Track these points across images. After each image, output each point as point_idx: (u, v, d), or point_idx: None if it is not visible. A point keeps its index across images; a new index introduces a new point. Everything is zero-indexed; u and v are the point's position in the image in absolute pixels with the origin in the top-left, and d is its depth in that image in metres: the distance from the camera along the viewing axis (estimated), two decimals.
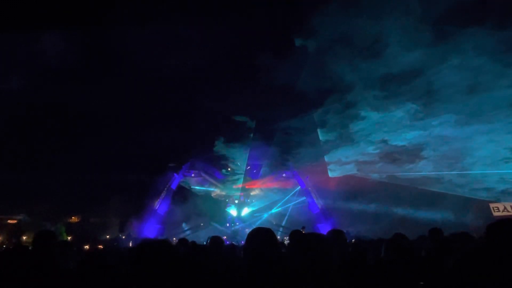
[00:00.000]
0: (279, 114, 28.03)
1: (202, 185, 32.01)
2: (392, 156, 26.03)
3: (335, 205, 26.55)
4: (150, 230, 25.44)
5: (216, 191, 32.04)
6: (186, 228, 28.76)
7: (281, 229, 26.11)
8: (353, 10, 22.32)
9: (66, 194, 27.23)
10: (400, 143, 25.36)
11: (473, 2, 18.57)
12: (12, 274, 2.26)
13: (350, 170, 27.94)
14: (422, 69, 22.42)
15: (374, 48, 23.11)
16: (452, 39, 20.48)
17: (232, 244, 7.12)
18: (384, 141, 25.95)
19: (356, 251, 3.37)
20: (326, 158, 28.51)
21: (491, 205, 22.24)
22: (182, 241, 5.63)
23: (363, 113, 25.79)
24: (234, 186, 31.43)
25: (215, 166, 31.55)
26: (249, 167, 31.78)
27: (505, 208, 21.81)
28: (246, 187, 31.41)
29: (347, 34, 23.29)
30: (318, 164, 28.65)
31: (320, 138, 28.48)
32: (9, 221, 28.27)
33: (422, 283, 2.53)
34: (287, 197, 30.29)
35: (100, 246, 17.42)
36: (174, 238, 18.65)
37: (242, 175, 31.42)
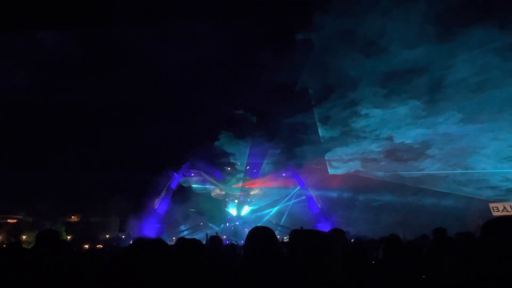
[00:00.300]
0: (281, 112, 27.94)
1: (202, 185, 31.98)
2: (396, 154, 25.74)
3: (335, 205, 26.48)
4: (150, 229, 25.42)
5: (216, 190, 32.02)
6: (184, 228, 28.72)
7: (279, 228, 26.06)
8: (357, 7, 22.18)
9: (66, 193, 27.26)
10: (404, 141, 25.09)
11: None
12: (7, 273, 2.25)
13: (352, 168, 27.72)
14: (428, 66, 22.24)
15: (379, 44, 22.94)
16: (458, 36, 20.26)
17: (232, 244, 7.10)
18: (388, 139, 25.68)
19: (355, 251, 3.35)
20: (328, 156, 28.32)
21: (491, 205, 22.21)
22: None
23: (366, 111, 25.55)
24: (234, 186, 31.40)
25: (215, 165, 31.54)
26: (248, 167, 31.78)
27: (504, 208, 21.78)
28: (246, 186, 31.39)
29: (351, 30, 23.08)
30: (319, 162, 28.54)
31: (323, 135, 28.16)
32: (9, 220, 28.27)
33: (423, 276, 2.52)
34: (288, 197, 30.25)
35: (100, 246, 17.42)
36: (174, 238, 18.64)
37: (242, 175, 31.41)
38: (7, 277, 2.27)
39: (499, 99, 20.11)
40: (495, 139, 21.78)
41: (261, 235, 2.12)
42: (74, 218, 31.44)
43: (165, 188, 28.64)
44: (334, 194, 27.23)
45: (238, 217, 30.16)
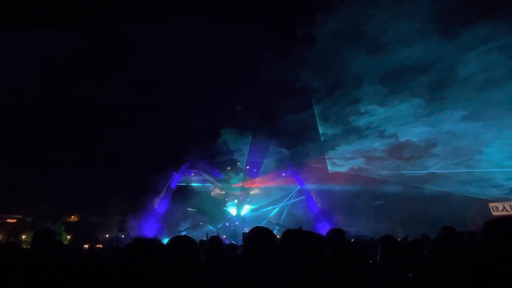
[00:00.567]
0: (281, 110, 27.80)
1: (201, 184, 31.98)
2: (398, 152, 25.38)
3: (336, 204, 26.43)
4: (149, 229, 25.42)
5: (216, 190, 32.02)
6: (184, 228, 28.71)
7: (277, 227, 26.05)
8: (360, 4, 21.97)
9: (65, 193, 27.23)
10: (407, 139, 24.78)
11: None
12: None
13: (353, 167, 27.50)
14: (431, 64, 22.02)
15: (381, 41, 22.65)
16: (463, 33, 20.04)
17: (232, 243, 7.11)
18: (390, 137, 25.36)
19: (355, 251, 3.34)
20: (328, 155, 28.10)
21: (490, 205, 22.24)
22: None
23: (369, 108, 25.27)
24: (234, 185, 31.41)
25: (215, 165, 31.52)
26: (248, 166, 31.78)
27: (504, 207, 21.82)
28: (246, 186, 31.40)
29: (354, 27, 22.84)
30: (318, 162, 28.42)
31: (323, 134, 27.84)
32: (8, 220, 28.27)
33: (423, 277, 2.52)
34: (287, 197, 30.26)
35: (100, 246, 17.42)
36: None
37: (242, 174, 31.41)
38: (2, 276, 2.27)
39: (504, 97, 19.88)
40: (499, 138, 21.59)
41: (259, 235, 2.12)
42: (73, 218, 31.43)
43: (164, 188, 28.65)
44: (334, 194, 27.16)
45: (238, 216, 30.17)
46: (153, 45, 27.98)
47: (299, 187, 29.76)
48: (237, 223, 29.42)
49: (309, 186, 28.76)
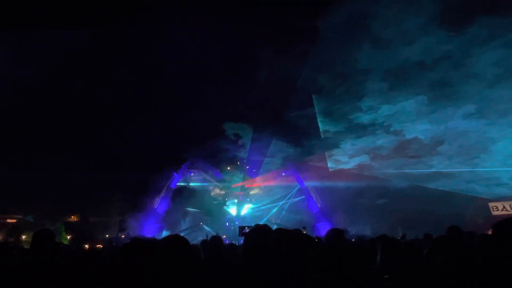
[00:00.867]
0: (282, 108, 27.63)
1: (201, 184, 31.98)
2: (402, 150, 25.13)
3: (336, 204, 26.37)
4: (149, 229, 25.42)
5: (216, 190, 32.02)
6: (183, 228, 28.71)
7: (275, 226, 26.02)
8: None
9: (65, 193, 27.23)
10: (412, 137, 24.46)
11: None
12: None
13: (355, 165, 27.27)
14: (437, 61, 21.66)
15: (387, 36, 22.23)
16: (473, 29, 19.60)
17: (232, 243, 7.09)
18: (395, 134, 25.03)
19: (354, 251, 3.33)
20: (328, 154, 27.89)
21: (490, 204, 22.30)
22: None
23: (373, 104, 24.86)
24: (234, 185, 31.42)
25: (215, 165, 31.52)
26: (248, 166, 31.79)
27: (504, 207, 21.89)
28: (246, 186, 31.41)
29: (358, 21, 22.38)
30: (318, 161, 28.31)
31: (324, 133, 27.54)
32: (8, 220, 28.27)
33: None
34: (287, 197, 30.26)
35: (100, 245, 17.42)
36: None
37: (242, 174, 31.42)
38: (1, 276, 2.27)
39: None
40: (506, 137, 21.39)
41: (259, 234, 2.12)
42: (73, 218, 31.44)
43: (164, 188, 28.65)
44: (334, 193, 27.11)
45: (238, 216, 30.18)
46: (154, 44, 27.98)
47: (299, 186, 29.77)
48: (237, 223, 29.41)
49: (309, 186, 28.75)
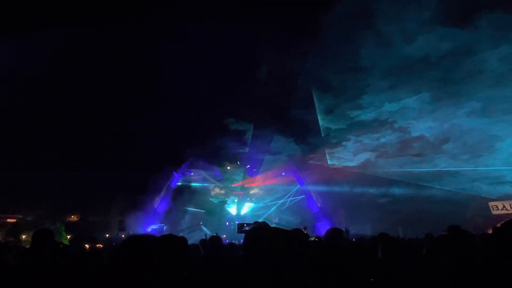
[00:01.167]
0: (284, 105, 27.46)
1: (201, 184, 31.98)
2: (406, 148, 24.88)
3: (336, 203, 26.31)
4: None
5: (216, 189, 32.02)
6: (183, 227, 28.71)
7: (274, 225, 25.95)
8: None
9: (65, 193, 27.23)
10: (416, 135, 24.21)
11: None
12: None
13: (356, 163, 27.05)
14: (441, 57, 21.39)
15: (391, 32, 21.96)
16: (480, 25, 19.33)
17: (232, 243, 7.09)
18: (399, 132, 24.77)
19: (354, 251, 3.35)
20: (328, 153, 27.72)
21: (490, 204, 22.26)
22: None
23: (376, 102, 24.60)
24: (234, 185, 31.42)
25: (215, 164, 31.51)
26: (248, 166, 31.77)
27: (504, 206, 21.84)
28: (246, 185, 31.42)
29: (363, 16, 22.12)
30: (318, 160, 28.18)
31: (325, 132, 27.28)
32: (8, 220, 28.27)
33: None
34: (287, 196, 30.26)
35: (100, 245, 17.40)
36: None
37: (242, 174, 31.41)
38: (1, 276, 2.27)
39: None
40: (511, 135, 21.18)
41: (260, 232, 2.12)
42: (73, 218, 31.45)
43: (164, 188, 28.66)
44: (335, 193, 27.07)
45: (238, 216, 30.18)
46: (154, 44, 27.94)
47: (299, 186, 29.76)
48: (237, 222, 29.43)
49: (309, 185, 28.74)
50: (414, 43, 21.67)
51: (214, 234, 4.78)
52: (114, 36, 26.79)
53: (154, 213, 27.01)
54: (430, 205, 22.06)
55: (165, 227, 26.65)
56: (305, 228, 15.35)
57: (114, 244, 14.15)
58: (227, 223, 30.13)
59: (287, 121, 27.39)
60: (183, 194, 30.05)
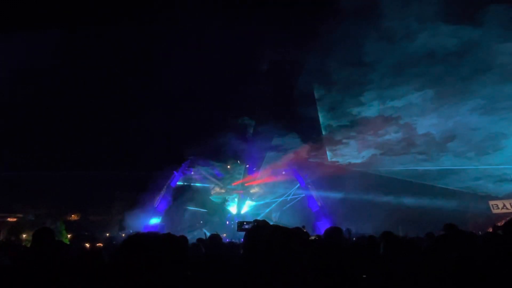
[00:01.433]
0: (285, 104, 27.34)
1: (201, 183, 32.01)
2: (411, 146, 24.62)
3: (336, 203, 26.27)
4: (149, 228, 25.43)
5: (216, 188, 32.05)
6: (183, 227, 28.71)
7: (273, 223, 25.89)
8: None
9: (66, 192, 27.25)
10: (420, 132, 23.96)
11: None
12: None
13: (358, 161, 26.86)
14: (450, 54, 21.05)
15: (397, 27, 21.61)
16: (486, 21, 19.00)
17: (232, 242, 7.12)
18: (403, 129, 24.50)
19: (354, 250, 3.36)
20: (329, 152, 27.57)
21: (490, 203, 22.24)
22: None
23: (379, 99, 24.40)
24: (234, 184, 31.44)
25: (215, 163, 31.52)
26: (248, 165, 31.77)
27: (504, 205, 21.83)
28: (246, 184, 31.43)
29: (370, 12, 21.80)
30: (318, 159, 28.09)
31: (326, 131, 27.08)
32: (9, 219, 28.30)
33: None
34: (287, 195, 30.26)
35: (100, 244, 17.42)
36: None
37: (242, 173, 31.43)
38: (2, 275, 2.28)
39: None
40: None
41: (260, 231, 2.12)
42: (74, 217, 31.48)
43: (165, 187, 28.68)
44: (335, 192, 27.03)
45: (238, 215, 30.20)
46: (154, 43, 27.92)
47: (299, 184, 29.75)
48: (237, 221, 29.46)
49: (309, 184, 28.73)
50: (418, 39, 21.44)
51: (214, 233, 4.79)
52: (114, 36, 26.80)
53: (154, 212, 27.04)
54: (432, 204, 21.95)
55: (165, 226, 26.67)
56: (304, 226, 15.35)
57: (114, 243, 14.17)
58: (227, 222, 30.16)
59: (287, 120, 27.32)
60: (183, 193, 30.08)
